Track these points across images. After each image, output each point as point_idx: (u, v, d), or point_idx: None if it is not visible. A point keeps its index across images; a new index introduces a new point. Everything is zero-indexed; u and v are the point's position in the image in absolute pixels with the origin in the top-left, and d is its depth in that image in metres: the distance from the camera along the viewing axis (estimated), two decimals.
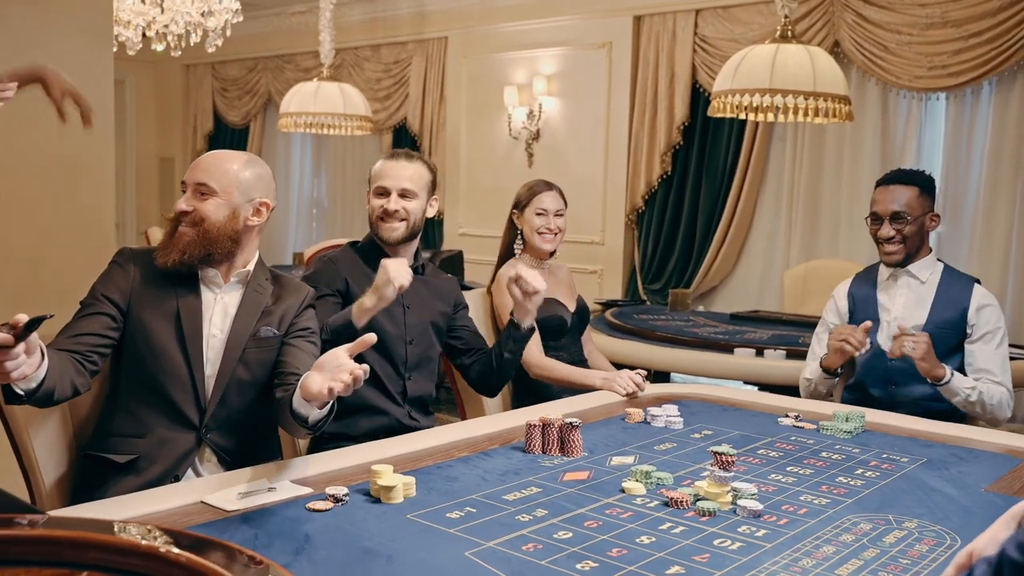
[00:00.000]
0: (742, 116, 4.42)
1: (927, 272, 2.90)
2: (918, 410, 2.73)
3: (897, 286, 2.92)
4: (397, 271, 2.34)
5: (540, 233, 3.07)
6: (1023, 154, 5.19)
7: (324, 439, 2.45)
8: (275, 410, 1.99)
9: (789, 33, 4.34)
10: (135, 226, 9.46)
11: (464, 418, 2.96)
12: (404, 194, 2.60)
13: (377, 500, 1.73)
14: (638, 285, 6.56)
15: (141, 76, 9.51)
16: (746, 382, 3.89)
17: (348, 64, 8.01)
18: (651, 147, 6.38)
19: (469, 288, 3.47)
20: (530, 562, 1.47)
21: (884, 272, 2.95)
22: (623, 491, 1.83)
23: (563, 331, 3.06)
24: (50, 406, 1.91)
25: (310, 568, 1.41)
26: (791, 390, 3.11)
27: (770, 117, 4.37)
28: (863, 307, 2.95)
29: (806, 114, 4.23)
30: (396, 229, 2.60)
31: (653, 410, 2.46)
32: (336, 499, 1.70)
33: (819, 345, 3.00)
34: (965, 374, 2.77)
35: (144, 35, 5.47)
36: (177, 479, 1.98)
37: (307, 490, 1.76)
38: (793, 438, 2.32)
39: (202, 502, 1.67)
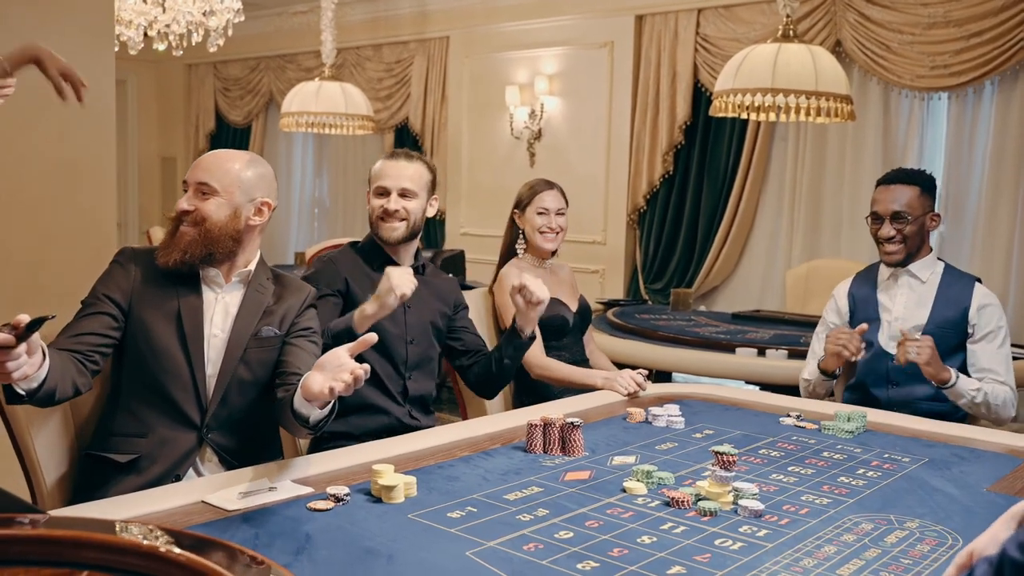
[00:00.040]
0: (744, 116, 4.42)
1: (928, 272, 2.90)
2: (919, 410, 2.72)
3: (898, 286, 2.92)
4: (400, 280, 2.34)
5: (542, 232, 3.07)
6: None
7: (325, 439, 2.45)
8: (276, 410, 1.99)
9: (791, 32, 4.34)
10: (137, 226, 9.47)
11: (465, 418, 2.96)
12: (404, 194, 2.60)
13: (378, 500, 1.73)
14: (640, 285, 6.56)
15: (143, 76, 9.52)
16: (748, 382, 3.89)
17: (350, 64, 8.01)
18: (653, 147, 6.38)
19: (471, 288, 3.47)
20: (531, 562, 1.47)
21: (884, 272, 2.95)
22: (624, 491, 1.83)
23: (565, 331, 3.05)
24: (51, 406, 1.91)
25: (311, 568, 1.41)
26: (793, 390, 3.11)
27: (772, 117, 4.37)
28: (863, 307, 2.94)
29: (808, 114, 4.22)
30: (396, 229, 2.60)
31: (654, 410, 2.45)
32: (337, 499, 1.70)
33: (819, 344, 2.99)
34: (967, 374, 2.77)
35: (146, 35, 5.47)
36: (178, 479, 1.98)
37: (308, 490, 1.76)
38: (795, 438, 2.31)
39: (203, 502, 1.67)
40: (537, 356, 2.89)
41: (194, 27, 5.47)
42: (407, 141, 7.77)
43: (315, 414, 1.79)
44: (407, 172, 2.61)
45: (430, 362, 2.66)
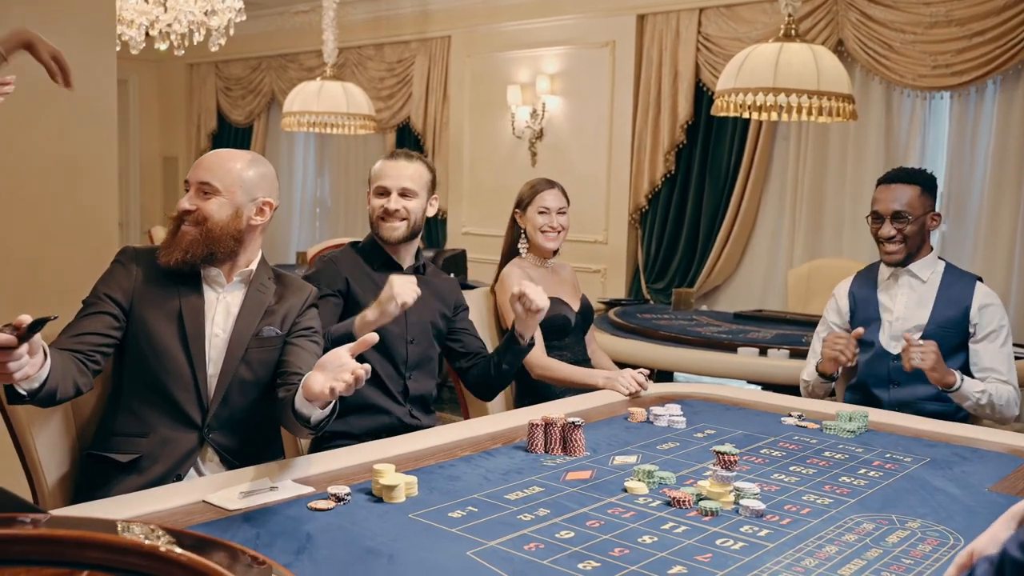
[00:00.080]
0: (746, 115, 4.42)
1: (928, 271, 2.89)
2: (921, 410, 2.72)
3: (898, 286, 2.91)
4: (402, 288, 2.33)
5: (543, 231, 3.07)
6: None
7: (326, 438, 2.45)
8: (277, 410, 1.99)
9: (793, 32, 4.33)
10: (139, 225, 9.48)
11: (467, 417, 2.96)
12: (404, 193, 2.60)
13: (379, 499, 1.73)
14: (641, 284, 6.56)
15: (144, 75, 9.52)
16: (749, 381, 3.89)
17: (351, 63, 8.01)
18: (654, 146, 6.38)
19: (472, 287, 3.47)
20: (532, 562, 1.47)
21: (885, 272, 2.94)
22: (625, 491, 1.83)
23: (567, 330, 3.05)
24: (53, 406, 1.91)
25: (312, 567, 1.41)
26: (794, 389, 3.11)
27: (774, 116, 4.36)
28: (864, 307, 2.94)
29: (810, 113, 4.22)
30: (397, 229, 2.60)
31: (656, 409, 2.45)
32: (338, 498, 1.70)
33: (820, 344, 2.99)
34: (968, 373, 2.76)
35: (147, 34, 5.48)
36: (179, 478, 1.98)
37: (309, 489, 1.76)
38: (796, 438, 2.31)
39: (204, 501, 1.67)
40: (538, 356, 2.89)
41: (196, 26, 5.47)
42: (409, 141, 7.77)
43: (316, 414, 1.79)
44: (407, 172, 2.61)
45: (430, 362, 2.66)
